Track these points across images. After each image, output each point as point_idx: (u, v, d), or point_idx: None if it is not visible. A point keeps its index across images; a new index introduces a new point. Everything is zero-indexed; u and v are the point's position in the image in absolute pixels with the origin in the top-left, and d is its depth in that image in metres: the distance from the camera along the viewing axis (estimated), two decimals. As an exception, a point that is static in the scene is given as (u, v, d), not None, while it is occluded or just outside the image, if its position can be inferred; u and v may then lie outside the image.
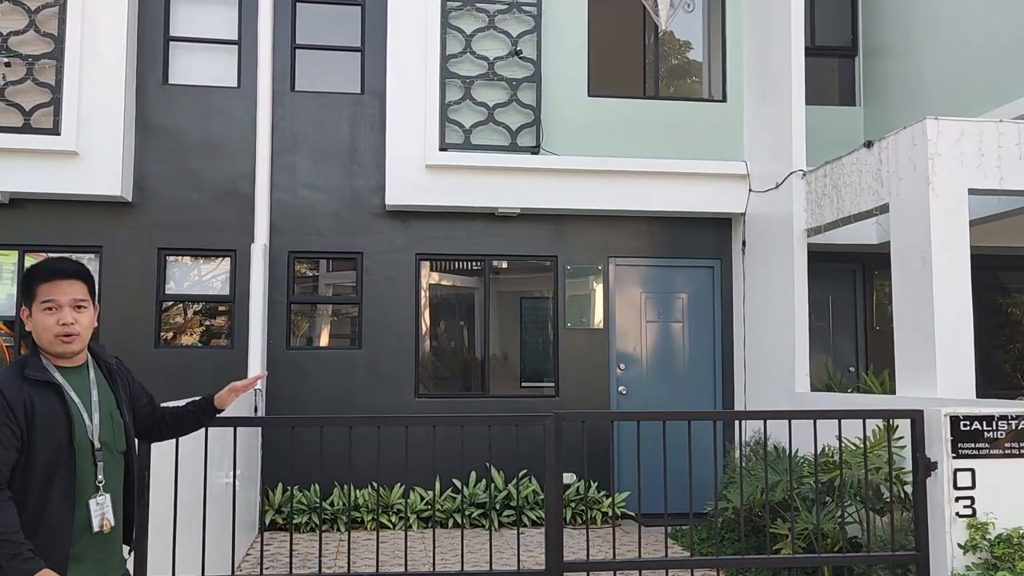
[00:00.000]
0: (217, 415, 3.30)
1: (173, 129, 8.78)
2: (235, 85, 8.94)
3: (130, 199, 8.57)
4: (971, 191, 6.57)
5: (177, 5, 8.95)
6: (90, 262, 8.65)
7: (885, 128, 8.28)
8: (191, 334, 9.00)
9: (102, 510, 2.74)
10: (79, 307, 2.76)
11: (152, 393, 3.18)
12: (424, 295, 9.25)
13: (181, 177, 8.76)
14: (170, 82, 8.86)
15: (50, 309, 2.72)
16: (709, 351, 9.48)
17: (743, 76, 9.37)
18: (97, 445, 2.75)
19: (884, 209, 7.15)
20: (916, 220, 6.64)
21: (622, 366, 9.35)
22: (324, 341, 9.27)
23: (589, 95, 9.18)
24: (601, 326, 9.35)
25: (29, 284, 2.77)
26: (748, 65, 9.31)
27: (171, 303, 8.89)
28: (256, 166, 8.78)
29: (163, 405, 3.25)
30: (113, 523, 2.78)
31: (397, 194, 8.81)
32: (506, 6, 9.02)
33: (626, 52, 9.70)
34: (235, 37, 8.98)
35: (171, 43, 8.90)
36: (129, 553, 2.97)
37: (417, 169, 8.79)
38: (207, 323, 9.04)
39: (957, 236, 6.49)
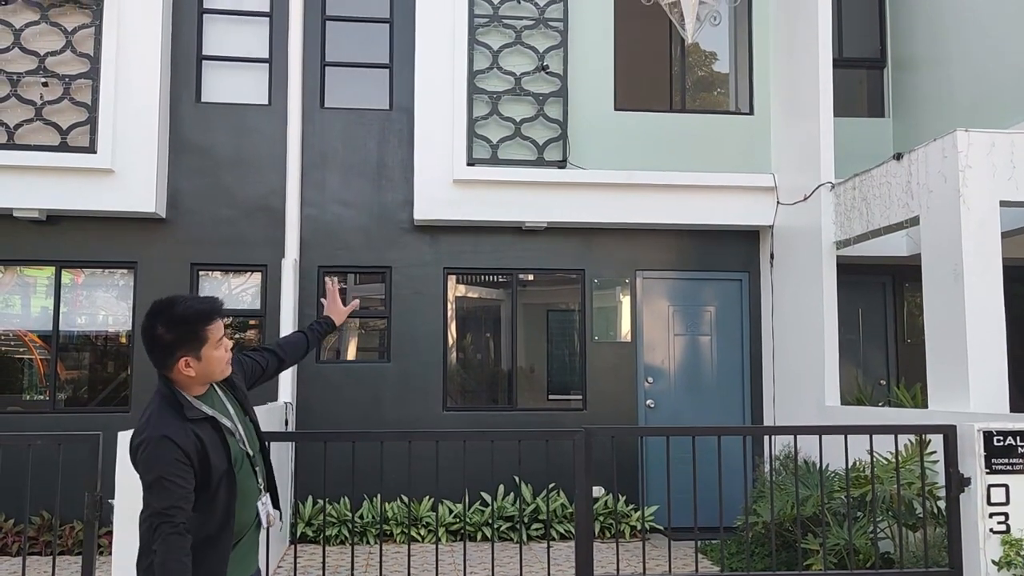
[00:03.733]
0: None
1: (206, 146, 8.93)
2: (266, 102, 9.08)
3: (164, 215, 8.72)
4: (1003, 203, 6.52)
5: (210, 25, 9.11)
6: (124, 277, 8.83)
7: (915, 140, 8.23)
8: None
9: (267, 508, 2.91)
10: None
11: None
12: (451, 307, 9.30)
13: (213, 193, 8.90)
14: (203, 100, 9.01)
15: (220, 344, 2.80)
16: (737, 364, 9.44)
17: (770, 88, 9.35)
18: (251, 453, 2.88)
19: (914, 222, 7.11)
20: (947, 233, 6.59)
21: (650, 379, 9.34)
22: (353, 355, 9.35)
23: (615, 109, 9.21)
24: (628, 339, 9.34)
25: (194, 330, 2.73)
26: (775, 77, 9.30)
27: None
28: (286, 182, 8.90)
29: (258, 348, 3.40)
30: (276, 517, 2.95)
31: (425, 209, 8.88)
32: (533, 22, 9.09)
33: (652, 66, 9.73)
34: (266, 55, 9.12)
35: (204, 62, 9.06)
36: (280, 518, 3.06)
37: (445, 184, 8.86)
38: (237, 336, 9.15)
39: (989, 249, 6.43)
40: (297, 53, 8.97)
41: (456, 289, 9.40)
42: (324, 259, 9.05)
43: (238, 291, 9.13)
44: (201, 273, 8.95)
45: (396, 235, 9.14)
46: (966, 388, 6.32)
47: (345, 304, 3.71)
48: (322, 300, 3.60)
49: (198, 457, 2.65)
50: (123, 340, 8.84)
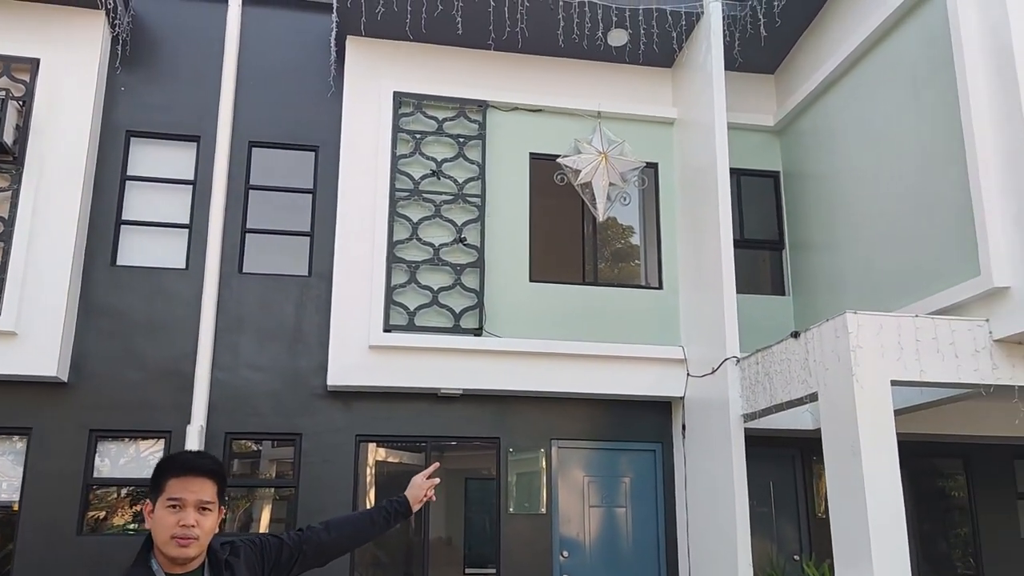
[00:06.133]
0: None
1: (118, 309, 8.79)
2: (183, 267, 9.06)
3: (65, 379, 8.44)
4: (894, 382, 6.76)
5: (131, 191, 9.20)
6: (16, 444, 8.42)
7: (814, 317, 8.58)
8: (121, 515, 8.65)
9: None
10: (204, 509, 2.52)
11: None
12: (369, 472, 9.06)
13: (121, 357, 8.69)
14: (118, 263, 8.95)
15: (174, 507, 2.49)
16: (653, 537, 9.30)
17: (678, 265, 9.73)
18: None
19: (814, 398, 7.30)
20: (843, 410, 6.78)
21: (565, 553, 9.11)
22: (265, 526, 8.94)
23: (531, 280, 9.44)
24: (544, 511, 9.16)
25: (158, 477, 2.56)
26: (682, 255, 9.69)
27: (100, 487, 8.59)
28: (198, 346, 8.76)
29: (316, 525, 2.98)
30: None
31: (339, 374, 8.80)
32: (452, 197, 9.42)
33: (566, 241, 10.07)
34: (187, 221, 9.18)
35: (122, 226, 9.07)
36: None
37: (360, 350, 8.84)
38: (139, 505, 8.71)
39: (883, 426, 6.61)
40: (218, 219, 9.07)
41: (373, 453, 9.19)
42: (232, 425, 8.80)
43: (145, 455, 8.76)
44: (100, 440, 8.58)
45: (308, 401, 8.98)
46: (870, 565, 6.32)
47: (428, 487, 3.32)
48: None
49: None
50: (14, 509, 8.31)
